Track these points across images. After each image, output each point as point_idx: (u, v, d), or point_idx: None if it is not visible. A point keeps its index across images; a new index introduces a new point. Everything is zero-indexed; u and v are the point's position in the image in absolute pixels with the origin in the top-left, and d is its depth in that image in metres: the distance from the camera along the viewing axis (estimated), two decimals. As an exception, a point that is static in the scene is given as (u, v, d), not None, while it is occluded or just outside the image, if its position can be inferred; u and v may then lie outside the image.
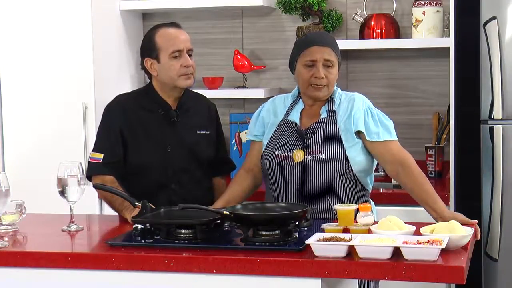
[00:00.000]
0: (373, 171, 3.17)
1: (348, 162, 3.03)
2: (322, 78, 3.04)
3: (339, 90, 3.16)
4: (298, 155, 3.06)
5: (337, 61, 3.09)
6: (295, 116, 3.14)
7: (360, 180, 3.08)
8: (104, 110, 3.31)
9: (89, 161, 3.25)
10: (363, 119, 3.05)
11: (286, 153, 3.08)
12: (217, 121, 3.43)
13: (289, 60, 3.17)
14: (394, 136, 3.08)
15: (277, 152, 3.10)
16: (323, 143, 3.04)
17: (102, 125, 3.30)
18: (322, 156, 3.03)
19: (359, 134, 3.06)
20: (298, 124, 3.11)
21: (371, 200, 3.19)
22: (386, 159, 3.05)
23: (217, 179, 3.44)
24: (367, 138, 3.04)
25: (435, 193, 2.96)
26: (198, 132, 3.31)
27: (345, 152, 3.03)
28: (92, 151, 3.26)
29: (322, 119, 3.09)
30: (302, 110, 3.15)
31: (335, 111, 3.09)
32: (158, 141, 3.24)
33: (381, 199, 3.62)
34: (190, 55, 3.25)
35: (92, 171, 3.20)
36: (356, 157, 3.05)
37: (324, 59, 3.05)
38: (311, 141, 3.06)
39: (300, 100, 3.17)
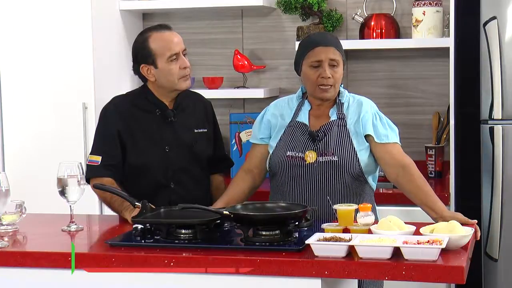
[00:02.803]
0: (377, 171, 3.18)
1: (359, 164, 3.05)
2: (329, 78, 3.06)
3: (346, 92, 3.18)
4: (311, 156, 3.07)
5: (341, 59, 3.11)
6: (304, 117, 3.15)
7: (367, 180, 3.11)
8: (101, 112, 3.30)
9: (87, 164, 3.24)
10: (371, 122, 3.08)
11: (297, 154, 3.09)
12: (214, 118, 3.43)
13: (294, 62, 3.18)
14: (399, 141, 3.11)
15: (288, 153, 3.10)
16: (335, 145, 3.06)
17: (99, 127, 3.29)
18: (335, 158, 3.05)
19: (367, 137, 3.08)
20: (308, 125, 3.12)
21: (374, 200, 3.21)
22: (388, 162, 3.07)
23: (215, 176, 3.44)
24: (376, 140, 3.06)
25: (434, 194, 2.97)
26: (195, 131, 3.31)
27: (357, 155, 3.05)
28: (90, 153, 3.26)
29: (332, 121, 3.10)
30: (309, 111, 3.16)
31: (344, 114, 3.11)
32: (156, 141, 3.24)
33: (381, 199, 3.61)
34: (184, 55, 3.25)
35: (91, 174, 3.19)
36: (366, 159, 3.08)
37: (329, 59, 3.07)
38: (323, 142, 3.07)
39: (306, 101, 3.18)
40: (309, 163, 3.07)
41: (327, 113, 3.14)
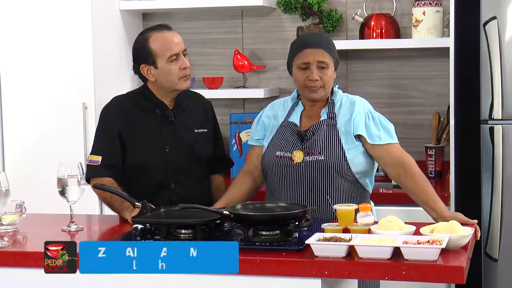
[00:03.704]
0: (374, 172, 3.17)
1: (347, 163, 3.03)
2: (316, 80, 3.05)
3: (340, 92, 3.16)
4: (298, 156, 3.06)
5: (332, 61, 3.08)
6: (295, 118, 3.15)
7: (360, 181, 3.09)
8: (101, 112, 3.30)
9: (87, 164, 3.24)
10: (363, 123, 3.06)
11: (285, 154, 3.08)
12: (214, 118, 3.43)
13: (286, 62, 3.18)
14: (395, 139, 3.08)
15: (277, 153, 3.10)
16: (322, 144, 3.05)
17: (100, 127, 3.29)
18: (321, 157, 3.03)
19: (359, 137, 3.07)
20: (298, 125, 3.12)
21: (371, 201, 3.19)
22: (388, 162, 3.05)
23: (216, 176, 3.44)
24: (369, 141, 3.04)
25: (435, 194, 2.97)
26: (196, 131, 3.31)
27: (344, 154, 3.03)
28: (90, 153, 3.26)
29: (322, 120, 3.09)
30: (302, 111, 3.16)
31: (335, 113, 3.10)
32: (157, 141, 3.24)
33: (381, 199, 3.62)
34: (185, 55, 3.25)
35: (91, 174, 3.19)
36: (355, 159, 3.05)
37: (317, 61, 3.05)
38: (311, 142, 3.06)
39: (300, 102, 3.18)
40: (296, 163, 3.07)
41: (319, 113, 3.13)
